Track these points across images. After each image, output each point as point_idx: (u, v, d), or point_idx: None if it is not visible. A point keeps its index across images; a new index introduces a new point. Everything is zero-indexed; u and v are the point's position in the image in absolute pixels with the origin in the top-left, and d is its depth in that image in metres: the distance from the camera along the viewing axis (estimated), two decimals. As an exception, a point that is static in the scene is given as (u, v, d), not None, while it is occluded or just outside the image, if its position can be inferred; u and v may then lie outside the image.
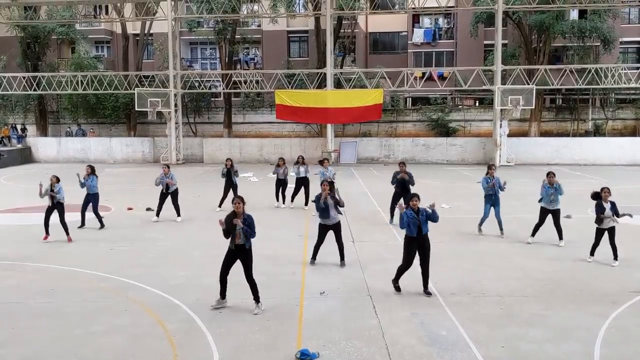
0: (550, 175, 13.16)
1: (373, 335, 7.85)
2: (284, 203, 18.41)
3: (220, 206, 17.61)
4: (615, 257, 11.49)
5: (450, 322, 8.28)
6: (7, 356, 7.32)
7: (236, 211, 8.78)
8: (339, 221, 11.39)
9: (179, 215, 16.14)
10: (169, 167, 16.23)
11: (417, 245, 9.54)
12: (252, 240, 8.91)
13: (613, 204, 11.39)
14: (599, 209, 11.35)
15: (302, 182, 18.06)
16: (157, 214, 16.18)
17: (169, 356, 7.25)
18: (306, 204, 17.87)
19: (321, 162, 17.34)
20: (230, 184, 17.64)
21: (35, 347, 7.56)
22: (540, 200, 13.31)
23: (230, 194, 16.91)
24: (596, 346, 7.45)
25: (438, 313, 8.69)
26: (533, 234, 13.32)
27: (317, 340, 7.65)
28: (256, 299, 8.86)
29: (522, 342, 7.60)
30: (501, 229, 14.05)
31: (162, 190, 15.97)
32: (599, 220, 11.44)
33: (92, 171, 15.27)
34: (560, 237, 13.13)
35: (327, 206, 11.12)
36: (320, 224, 11.37)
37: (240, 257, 8.88)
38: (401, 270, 9.72)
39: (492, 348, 7.42)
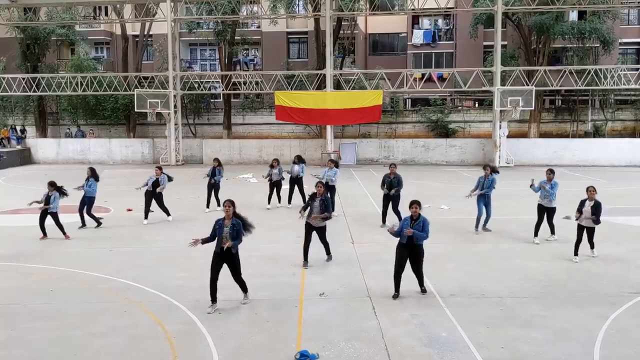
0: (548, 172, 13.42)
1: (373, 336, 7.84)
2: (279, 203, 18.34)
3: (208, 207, 17.84)
4: (592, 247, 11.85)
5: (450, 324, 8.28)
6: (7, 357, 7.31)
7: (225, 214, 8.99)
8: (323, 226, 11.43)
9: (168, 215, 16.41)
10: (161, 169, 16.33)
11: (407, 252, 9.33)
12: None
13: (597, 205, 11.43)
14: (580, 205, 11.67)
15: (296, 182, 18.12)
16: (146, 216, 16.09)
17: (168, 357, 7.24)
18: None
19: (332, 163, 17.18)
20: (212, 184, 17.92)
21: (34, 348, 7.55)
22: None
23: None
24: (596, 347, 7.44)
25: (438, 314, 8.68)
26: (536, 234, 13.50)
27: (316, 341, 7.64)
28: (244, 290, 9.22)
29: (522, 343, 7.59)
30: (485, 224, 14.45)
31: (148, 189, 16.07)
32: (578, 214, 11.69)
33: (92, 174, 15.40)
34: (553, 232, 13.56)
35: (311, 207, 11.32)
36: (305, 222, 11.43)
37: (227, 260, 8.98)
38: (394, 276, 9.44)
39: (492, 349, 7.42)
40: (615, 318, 8.45)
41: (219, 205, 17.44)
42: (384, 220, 15.19)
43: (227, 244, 8.74)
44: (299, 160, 18.36)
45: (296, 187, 18.22)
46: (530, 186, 13.76)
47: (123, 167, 32.90)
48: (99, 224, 15.39)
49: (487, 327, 8.15)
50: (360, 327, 8.17)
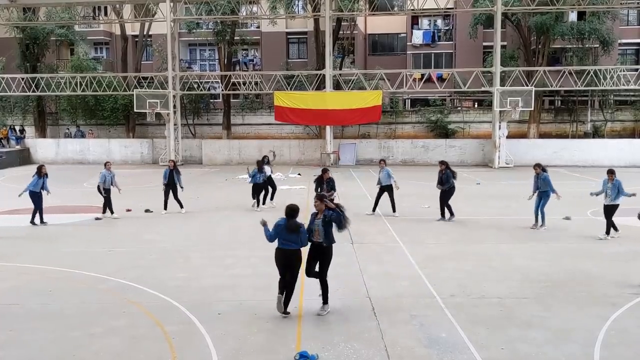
0: (608, 173, 13.85)
1: (372, 337, 7.82)
2: (258, 206, 18.26)
3: (182, 207, 17.47)
4: None
5: (450, 324, 8.25)
6: (6, 358, 7.28)
7: (317, 209, 8.77)
8: (332, 199, 12.77)
9: (112, 212, 16.73)
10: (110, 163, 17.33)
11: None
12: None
13: None
14: None
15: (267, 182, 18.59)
16: (112, 212, 16.67)
17: (167, 358, 7.21)
18: (271, 199, 18.64)
19: (380, 162, 17.19)
20: (170, 186, 17.33)
21: (33, 349, 7.52)
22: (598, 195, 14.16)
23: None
24: (596, 348, 7.42)
25: (437, 315, 8.65)
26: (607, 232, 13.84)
27: (316, 342, 7.62)
28: (325, 299, 8.76)
29: (521, 344, 7.57)
30: (542, 221, 14.79)
31: (107, 187, 16.58)
32: None
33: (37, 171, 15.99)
34: (607, 232, 13.72)
35: (322, 189, 13.92)
36: None
37: (318, 255, 8.76)
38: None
39: (492, 350, 7.39)
40: (616, 319, 8.43)
41: (181, 207, 17.47)
42: (443, 214, 16.00)
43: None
44: (268, 160, 18.87)
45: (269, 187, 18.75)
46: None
47: (122, 168, 32.83)
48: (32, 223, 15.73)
49: (487, 328, 8.13)
50: (359, 327, 8.15)
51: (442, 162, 16.41)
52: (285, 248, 8.61)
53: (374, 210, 16.95)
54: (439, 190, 16.22)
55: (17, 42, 40.34)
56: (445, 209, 16.03)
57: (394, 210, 16.72)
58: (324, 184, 15.06)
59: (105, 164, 17.08)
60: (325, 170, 15.45)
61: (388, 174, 16.61)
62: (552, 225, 15.05)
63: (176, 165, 17.71)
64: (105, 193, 16.52)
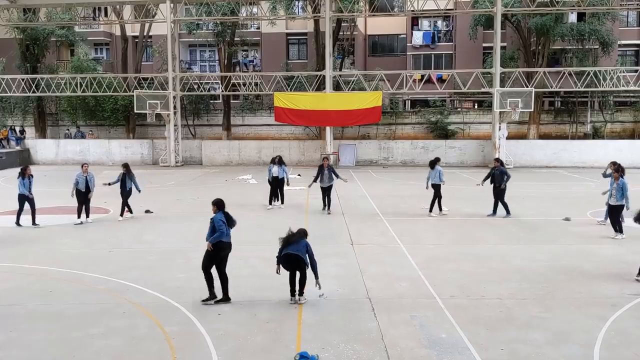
0: (614, 171, 13.94)
1: (372, 337, 7.83)
2: (270, 204, 18.41)
3: (122, 215, 16.70)
4: None
5: (450, 325, 8.27)
6: (6, 359, 7.29)
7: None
8: (330, 186, 17.06)
9: (87, 216, 16.22)
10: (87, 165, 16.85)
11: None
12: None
13: None
14: None
15: (276, 183, 18.43)
16: (79, 216, 16.06)
17: (167, 358, 7.22)
18: (282, 202, 18.49)
19: (434, 163, 17.10)
20: (124, 191, 16.63)
21: (33, 349, 7.53)
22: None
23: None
24: (596, 349, 7.43)
25: (437, 315, 8.67)
26: (620, 230, 13.82)
27: (316, 342, 7.63)
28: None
29: (521, 344, 7.59)
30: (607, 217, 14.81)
31: (81, 189, 16.11)
32: None
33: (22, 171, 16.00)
34: (615, 230, 13.71)
35: (322, 175, 16.80)
36: (320, 186, 17.15)
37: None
38: None
39: (492, 351, 7.40)
40: (615, 319, 8.45)
41: (130, 211, 17.01)
42: (507, 211, 16.26)
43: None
44: (279, 161, 18.54)
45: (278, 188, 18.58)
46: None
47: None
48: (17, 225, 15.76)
49: (487, 329, 8.14)
50: (359, 328, 8.16)
51: (497, 159, 16.97)
52: None
53: (430, 210, 16.95)
54: (493, 187, 16.53)
55: (17, 42, 40.34)
56: (502, 205, 16.39)
57: (430, 210, 16.87)
58: (325, 171, 16.90)
59: (82, 166, 16.65)
60: (325, 158, 17.53)
61: (438, 173, 16.74)
62: (552, 226, 15.08)
63: (129, 169, 17.02)
64: (78, 195, 16.05)
